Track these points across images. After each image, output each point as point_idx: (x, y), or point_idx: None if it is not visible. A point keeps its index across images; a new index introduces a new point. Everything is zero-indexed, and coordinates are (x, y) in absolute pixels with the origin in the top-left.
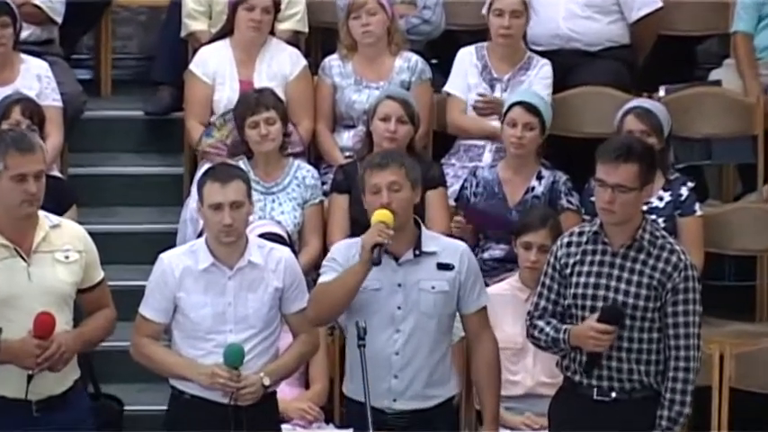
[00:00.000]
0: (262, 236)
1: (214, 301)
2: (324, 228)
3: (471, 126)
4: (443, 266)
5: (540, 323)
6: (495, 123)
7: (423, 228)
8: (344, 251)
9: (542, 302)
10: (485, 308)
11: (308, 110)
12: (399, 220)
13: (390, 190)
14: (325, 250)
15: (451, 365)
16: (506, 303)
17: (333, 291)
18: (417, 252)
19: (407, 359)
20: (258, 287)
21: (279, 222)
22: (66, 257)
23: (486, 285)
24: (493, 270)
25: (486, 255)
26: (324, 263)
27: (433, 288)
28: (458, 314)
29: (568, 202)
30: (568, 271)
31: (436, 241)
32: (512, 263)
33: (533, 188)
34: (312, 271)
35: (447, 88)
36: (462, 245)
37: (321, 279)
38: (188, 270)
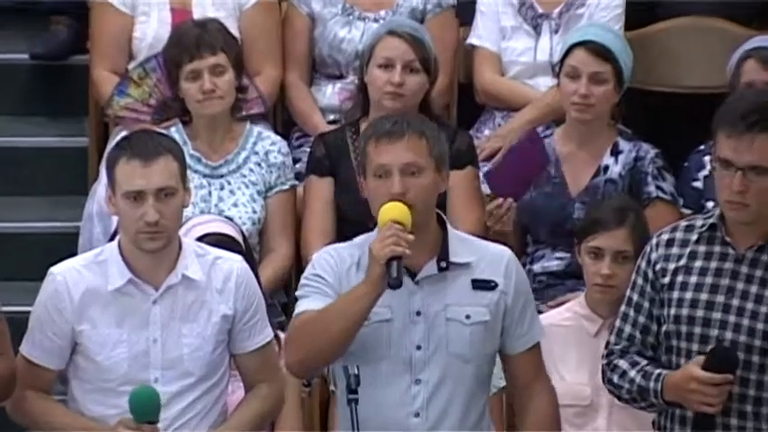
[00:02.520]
0: (203, 239)
1: (132, 336)
2: (297, 226)
3: (509, 92)
4: (482, 284)
5: (623, 364)
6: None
7: (449, 227)
8: (335, 263)
9: (627, 329)
10: (538, 345)
11: (274, 52)
12: (418, 218)
13: (405, 173)
14: (298, 259)
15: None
16: (567, 339)
17: (325, 326)
18: (443, 264)
19: (432, 423)
20: (197, 315)
21: (230, 219)
22: None
23: (539, 312)
24: (547, 289)
25: (536, 267)
26: (303, 280)
27: (468, 318)
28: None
29: (658, 188)
30: (667, 282)
31: (469, 246)
32: (574, 278)
33: (606, 168)
34: (279, 290)
35: (472, 39)
36: (506, 251)
37: (302, 305)
38: (93, 291)
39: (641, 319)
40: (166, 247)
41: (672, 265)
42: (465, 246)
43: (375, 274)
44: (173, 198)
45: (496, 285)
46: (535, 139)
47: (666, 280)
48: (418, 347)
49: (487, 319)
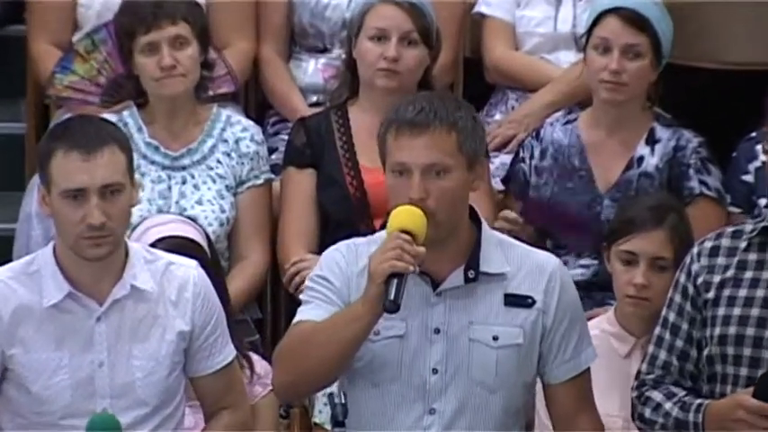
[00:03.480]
0: (158, 243)
1: (74, 360)
2: (273, 228)
3: (525, 69)
4: (516, 300)
5: (657, 396)
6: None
7: (485, 228)
8: (347, 263)
9: (662, 356)
10: (586, 373)
11: (245, 22)
12: (441, 225)
13: (428, 174)
14: (274, 267)
15: None
16: (595, 361)
17: (316, 346)
18: (471, 273)
19: None
20: (149, 333)
21: (192, 219)
22: None
23: None
24: None
25: None
26: (307, 281)
27: (496, 340)
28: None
29: (702, 183)
30: (711, 297)
31: (508, 253)
32: (602, 290)
33: (641, 159)
34: (251, 304)
35: (481, 6)
36: (553, 260)
37: (301, 314)
38: (25, 308)
39: (679, 344)
40: (112, 254)
41: (717, 278)
42: (502, 252)
43: (372, 294)
44: (120, 196)
45: (534, 302)
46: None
47: (711, 295)
48: (434, 371)
49: (520, 342)
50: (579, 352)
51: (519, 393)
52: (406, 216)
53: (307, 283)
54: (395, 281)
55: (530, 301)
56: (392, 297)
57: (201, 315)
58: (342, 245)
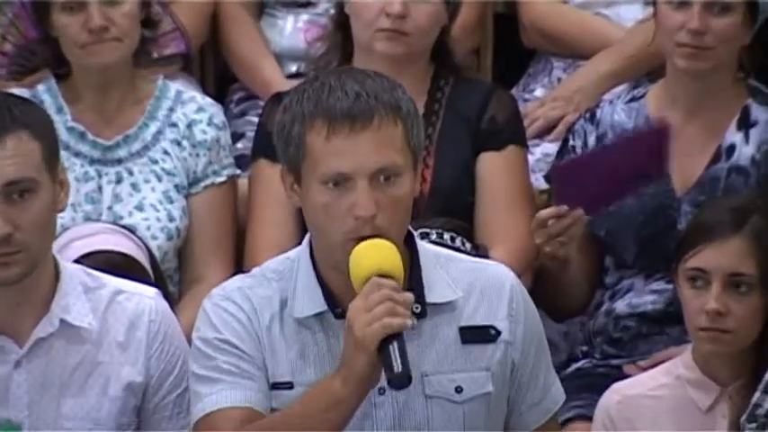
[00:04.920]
0: (80, 262)
1: None
2: (239, 240)
3: (576, 29)
4: (475, 334)
5: None
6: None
7: (418, 242)
8: (248, 318)
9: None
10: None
11: None
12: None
13: (374, 182)
14: None
15: None
16: (665, 417)
17: None
18: (417, 307)
19: None
20: (86, 385)
21: (130, 230)
22: None
23: (617, 378)
24: (637, 341)
25: (620, 306)
26: (200, 347)
27: (460, 392)
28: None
29: None
30: None
31: (448, 269)
32: (682, 323)
33: (731, 149)
34: None
35: None
36: (504, 271)
37: (211, 400)
38: None
39: None
40: (26, 277)
41: None
42: (443, 269)
43: (361, 367)
44: (33, 198)
45: (498, 334)
46: (664, 134)
47: None
48: None
49: (489, 391)
50: (548, 387)
51: None
52: (376, 253)
53: (199, 346)
54: (395, 344)
55: (492, 332)
56: (398, 368)
57: (160, 361)
58: (233, 292)
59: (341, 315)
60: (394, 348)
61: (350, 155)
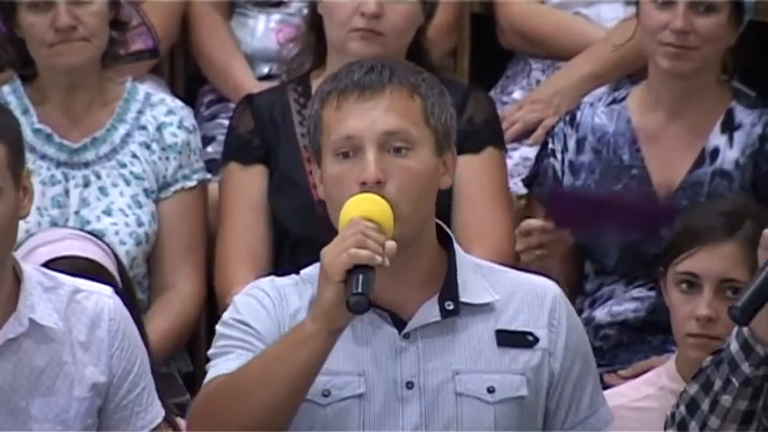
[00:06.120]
0: (47, 266)
1: None
2: (209, 246)
3: (555, 29)
4: (513, 338)
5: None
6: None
7: (457, 248)
8: (273, 304)
9: None
10: None
11: None
12: (406, 224)
13: (385, 150)
14: (211, 301)
15: None
16: (651, 430)
17: (249, 391)
18: (450, 305)
19: None
20: (54, 386)
21: (95, 236)
22: None
23: (604, 387)
24: (618, 350)
25: (599, 314)
26: (221, 329)
27: (493, 392)
28: None
29: None
30: None
31: (491, 278)
32: (664, 332)
33: (715, 153)
34: (179, 352)
35: None
36: (550, 286)
37: (216, 369)
38: None
39: None
40: None
41: None
42: (484, 277)
43: (327, 300)
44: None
45: (536, 341)
46: (670, 215)
47: None
48: None
49: (524, 394)
50: (595, 407)
51: None
52: (367, 204)
53: (218, 329)
54: (360, 275)
55: (530, 338)
56: (358, 289)
57: (121, 360)
58: (263, 282)
59: (370, 304)
60: (358, 276)
61: (358, 117)
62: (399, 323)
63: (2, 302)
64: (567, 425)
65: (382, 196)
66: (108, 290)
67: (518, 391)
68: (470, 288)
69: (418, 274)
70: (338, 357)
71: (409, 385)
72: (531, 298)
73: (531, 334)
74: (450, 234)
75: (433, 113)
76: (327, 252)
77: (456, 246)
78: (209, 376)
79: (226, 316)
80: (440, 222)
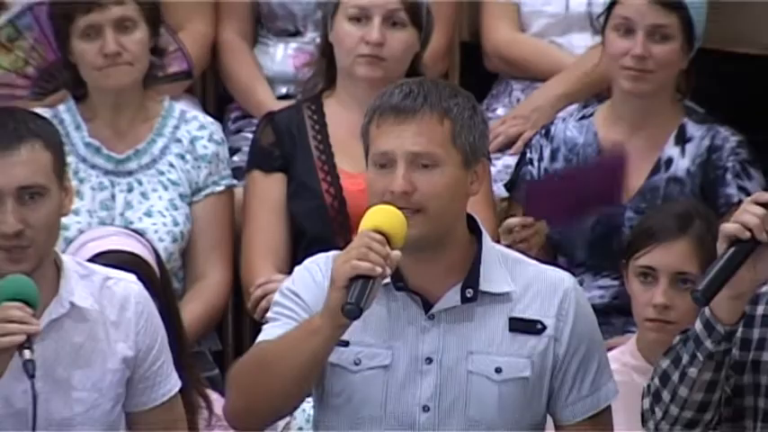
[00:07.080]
0: (94, 261)
1: (3, 390)
2: (236, 243)
3: (532, 55)
4: (522, 325)
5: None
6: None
7: (486, 240)
8: (323, 276)
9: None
10: (607, 411)
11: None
12: (433, 224)
13: (414, 166)
14: (237, 289)
15: None
16: (614, 402)
17: (270, 366)
18: (470, 292)
19: None
20: (91, 359)
21: (139, 233)
22: None
23: None
24: None
25: None
26: (276, 296)
27: (499, 372)
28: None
29: (741, 190)
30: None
31: (514, 270)
32: (625, 315)
33: (669, 162)
34: (210, 333)
35: None
36: (566, 278)
37: (263, 333)
38: None
39: None
40: (34, 271)
41: (761, 309)
42: (506, 269)
43: (332, 301)
44: (42, 201)
45: (543, 328)
46: (619, 160)
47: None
48: (425, 408)
49: (527, 376)
50: (598, 387)
51: None
52: (381, 215)
53: (275, 297)
54: (359, 284)
55: (539, 326)
56: (352, 299)
57: (146, 337)
58: (320, 256)
59: (402, 288)
60: (356, 285)
61: (393, 138)
62: (427, 305)
63: (46, 288)
64: (569, 400)
65: (401, 207)
66: (133, 277)
67: (522, 372)
68: (492, 278)
69: (447, 263)
70: (371, 331)
71: (428, 361)
72: (546, 289)
73: (540, 322)
74: (482, 229)
75: (461, 135)
76: (337, 259)
77: (485, 238)
78: (259, 337)
79: (284, 285)
80: (475, 217)
